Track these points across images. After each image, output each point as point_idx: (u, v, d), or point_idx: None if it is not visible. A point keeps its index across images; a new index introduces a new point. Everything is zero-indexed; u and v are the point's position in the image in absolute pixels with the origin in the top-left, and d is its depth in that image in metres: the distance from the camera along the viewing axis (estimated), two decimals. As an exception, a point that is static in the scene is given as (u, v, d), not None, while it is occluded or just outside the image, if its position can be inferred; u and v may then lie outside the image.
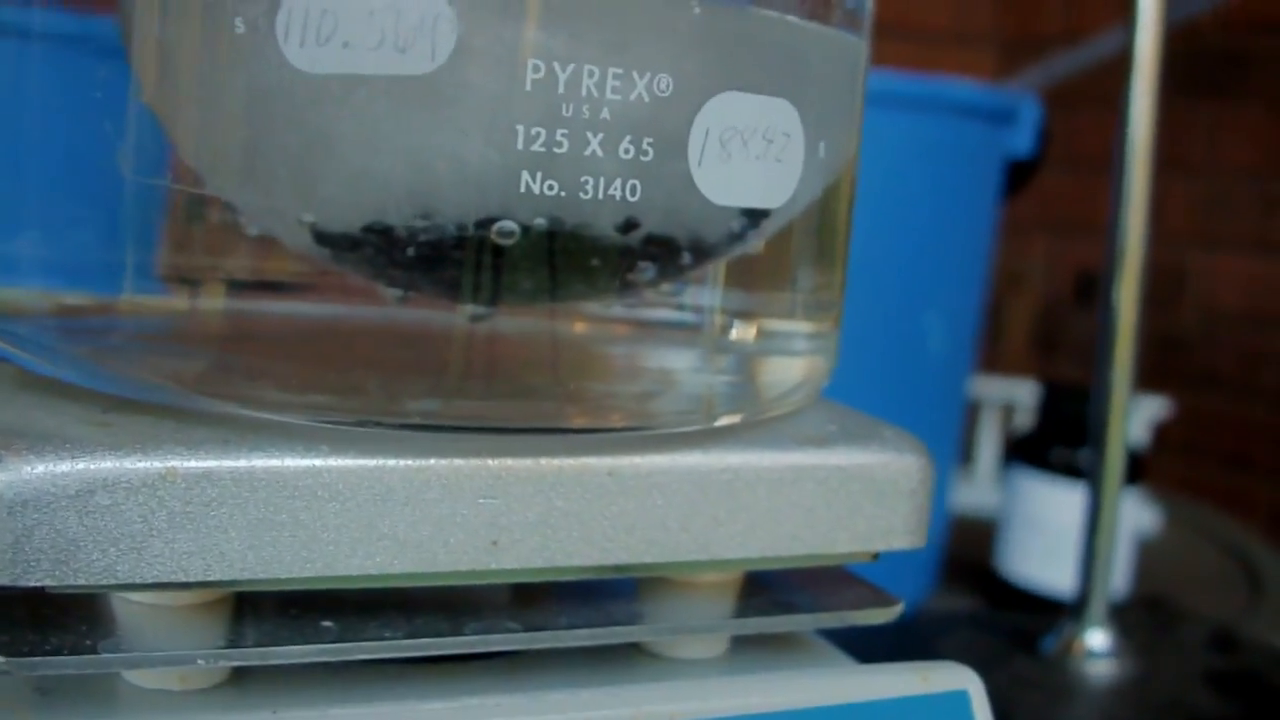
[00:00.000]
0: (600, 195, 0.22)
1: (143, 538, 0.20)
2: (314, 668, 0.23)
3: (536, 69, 0.21)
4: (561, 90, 0.21)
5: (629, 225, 0.22)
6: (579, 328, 0.25)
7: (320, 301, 0.24)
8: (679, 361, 0.26)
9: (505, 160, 0.21)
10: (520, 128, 0.21)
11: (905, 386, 0.58)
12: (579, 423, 0.23)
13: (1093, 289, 1.25)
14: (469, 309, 0.23)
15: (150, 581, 0.20)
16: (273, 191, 0.22)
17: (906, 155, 0.56)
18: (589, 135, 0.21)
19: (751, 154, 0.23)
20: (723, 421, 0.25)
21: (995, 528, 0.66)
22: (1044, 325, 1.32)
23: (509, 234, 0.22)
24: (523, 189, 0.21)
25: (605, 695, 0.23)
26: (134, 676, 0.22)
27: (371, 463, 0.21)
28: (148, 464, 0.20)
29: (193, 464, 0.20)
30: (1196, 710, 0.44)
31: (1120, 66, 0.46)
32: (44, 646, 0.21)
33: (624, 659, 0.25)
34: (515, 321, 0.24)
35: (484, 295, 0.22)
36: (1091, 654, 0.47)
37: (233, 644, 0.22)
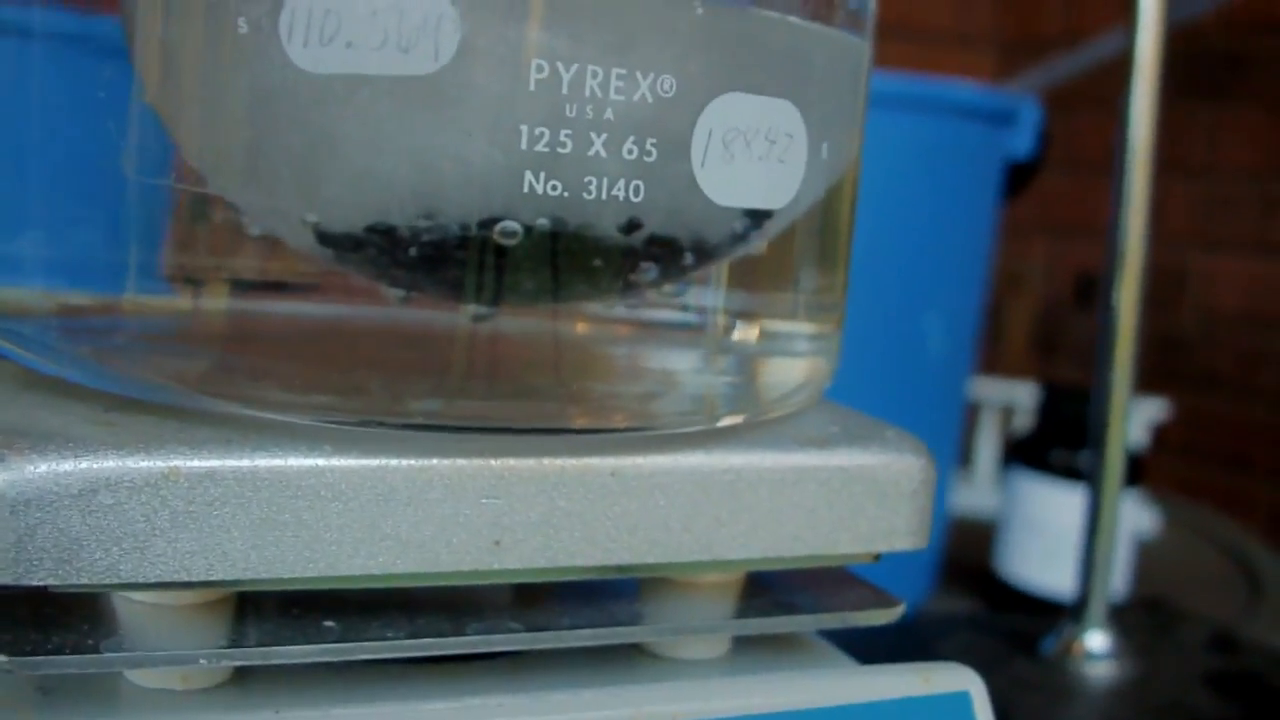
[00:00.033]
0: (603, 196, 0.22)
1: (145, 537, 0.20)
2: (316, 667, 0.23)
3: (540, 69, 0.21)
4: (565, 90, 0.21)
5: (632, 226, 0.23)
6: (581, 328, 0.25)
7: (323, 302, 0.24)
8: (681, 362, 0.26)
9: (509, 160, 0.21)
10: (524, 128, 0.21)
11: (905, 388, 0.58)
12: (581, 423, 0.23)
13: (1092, 290, 1.25)
14: (471, 309, 0.23)
15: (153, 581, 0.20)
16: (276, 192, 0.22)
17: (906, 156, 0.56)
18: (592, 136, 0.21)
19: (754, 155, 0.23)
20: (725, 422, 0.25)
21: (994, 529, 0.66)
22: (1043, 327, 1.32)
23: (512, 234, 0.22)
24: (526, 189, 0.21)
25: (607, 695, 0.23)
26: (136, 676, 0.22)
27: (374, 462, 0.21)
28: (151, 463, 0.20)
29: (196, 463, 0.20)
30: (1196, 711, 0.44)
31: (1120, 68, 0.46)
32: (46, 646, 0.21)
33: (625, 659, 0.25)
34: (518, 322, 0.24)
35: (486, 295, 0.22)
36: (1091, 655, 0.47)
37: (235, 644, 0.22)
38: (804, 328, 0.27)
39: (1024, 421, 0.83)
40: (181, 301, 0.24)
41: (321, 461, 0.21)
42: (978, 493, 0.82)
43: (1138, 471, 0.64)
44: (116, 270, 0.24)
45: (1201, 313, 1.23)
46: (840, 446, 0.25)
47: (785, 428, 0.26)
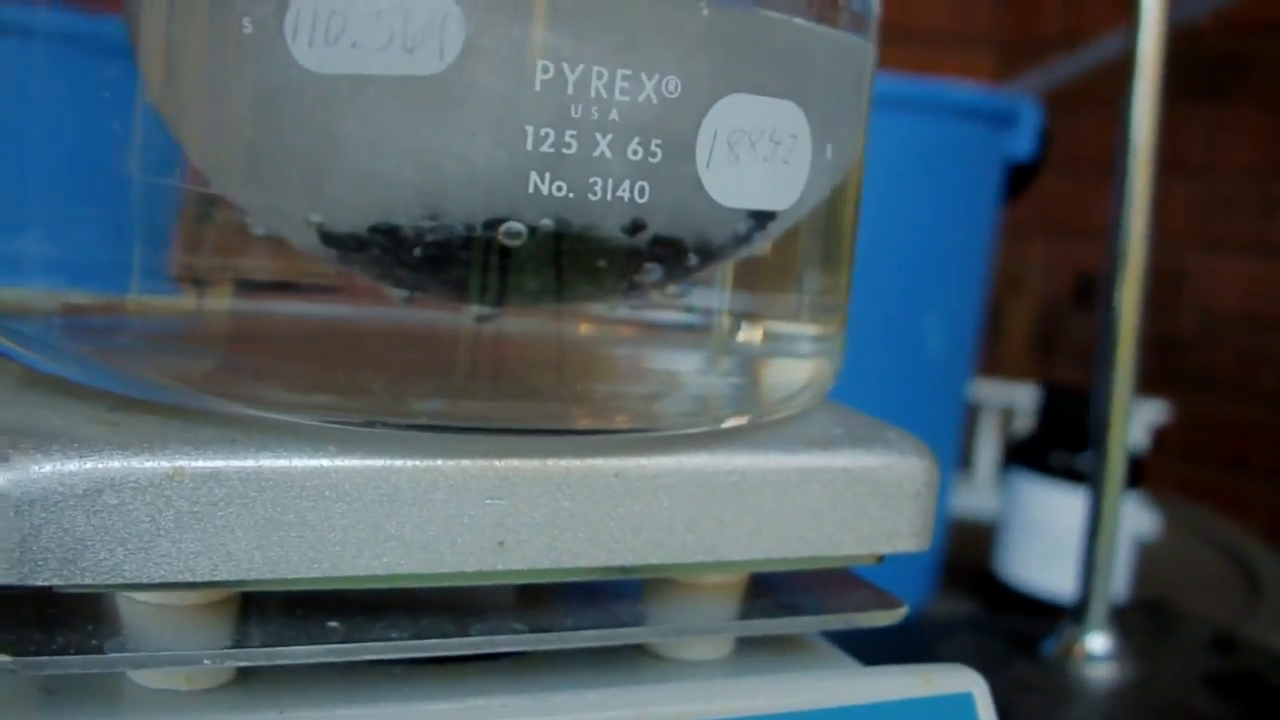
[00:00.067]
0: (609, 196, 0.22)
1: (150, 537, 0.20)
2: (319, 668, 0.23)
3: (545, 70, 0.21)
4: (570, 91, 0.21)
5: (636, 227, 0.22)
6: (585, 329, 0.25)
7: (327, 302, 0.24)
8: (685, 363, 0.26)
9: (514, 161, 0.21)
10: (529, 128, 0.21)
11: (905, 389, 0.58)
12: (585, 424, 0.23)
13: (1092, 291, 1.25)
14: (475, 310, 0.23)
15: (157, 581, 0.20)
16: (280, 191, 0.22)
17: (907, 158, 0.56)
18: (598, 136, 0.21)
19: (759, 156, 0.23)
20: (729, 423, 0.25)
21: (994, 531, 0.66)
22: (1043, 328, 1.32)
23: (516, 235, 0.22)
24: (531, 190, 0.21)
25: (611, 696, 0.23)
26: (140, 676, 0.22)
27: (378, 463, 0.21)
28: (155, 463, 0.20)
29: (200, 464, 0.20)
30: (1197, 712, 0.44)
31: (1119, 69, 0.46)
32: (50, 646, 0.21)
33: (629, 660, 0.25)
34: (521, 322, 0.24)
35: (490, 296, 0.22)
36: (1092, 657, 0.47)
37: (239, 644, 0.22)
38: (807, 329, 0.27)
39: (1024, 423, 0.83)
40: (185, 301, 0.24)
41: (326, 462, 0.21)
42: (977, 494, 0.82)
43: (1138, 474, 0.64)
44: (120, 270, 0.24)
45: (1201, 313, 1.23)
46: (844, 448, 0.25)
47: (789, 429, 0.26)
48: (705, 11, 0.22)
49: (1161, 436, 0.91)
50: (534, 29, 0.21)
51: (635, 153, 0.22)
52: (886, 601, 0.26)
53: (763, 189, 0.23)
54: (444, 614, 0.23)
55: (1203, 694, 0.45)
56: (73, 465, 0.20)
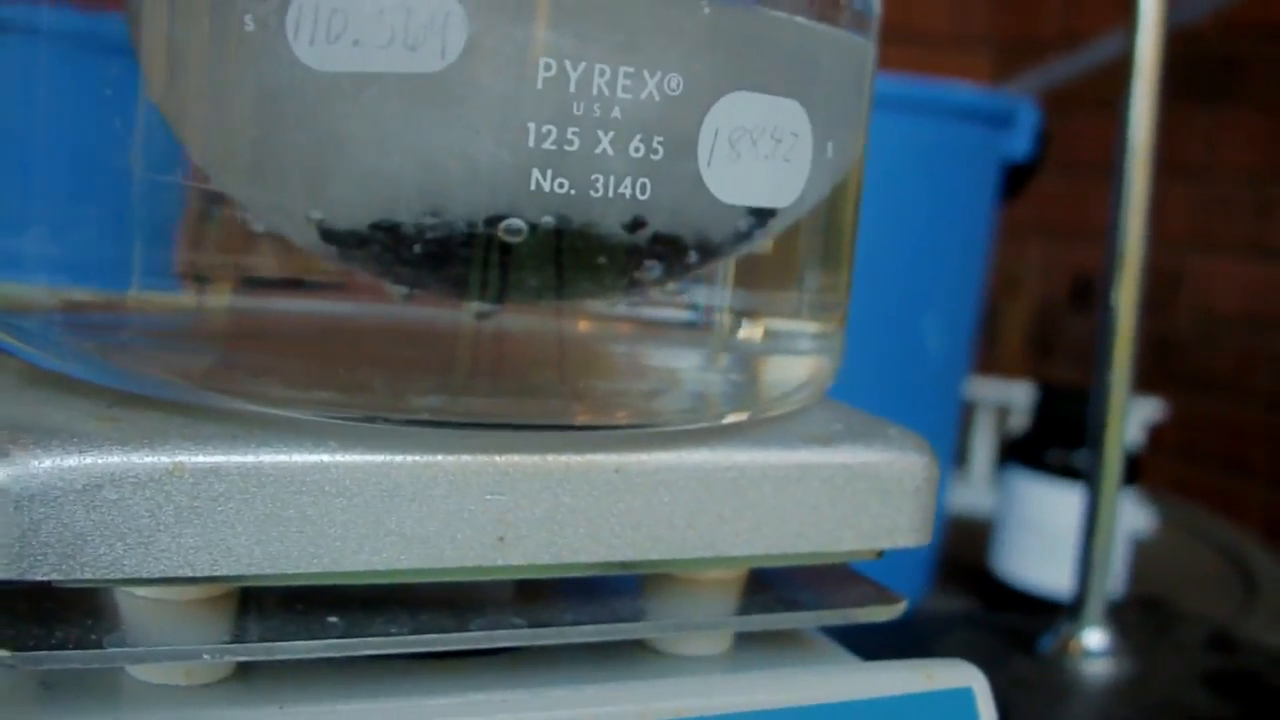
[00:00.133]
0: (610, 194, 0.22)
1: (150, 532, 0.20)
2: (319, 663, 0.23)
3: (548, 67, 0.21)
4: (573, 89, 0.21)
5: (636, 224, 0.23)
6: (585, 326, 0.25)
7: (327, 298, 0.24)
8: (685, 360, 0.26)
9: (515, 158, 0.21)
10: (531, 126, 0.21)
11: (902, 388, 0.58)
12: (585, 420, 0.23)
13: (1089, 292, 1.25)
14: (475, 306, 0.23)
15: (157, 576, 0.20)
16: (281, 189, 0.22)
17: (904, 158, 0.57)
18: (600, 134, 0.21)
19: (760, 154, 0.23)
20: (728, 419, 0.25)
21: (990, 528, 0.66)
22: (1039, 328, 1.32)
23: (517, 232, 0.22)
24: (533, 187, 0.21)
25: (610, 691, 0.23)
26: (139, 671, 0.22)
27: (379, 458, 0.21)
28: (155, 459, 0.20)
29: (200, 459, 0.20)
30: (1194, 710, 0.44)
31: (1116, 70, 0.47)
32: (49, 641, 0.21)
33: (628, 655, 0.25)
34: (521, 319, 0.24)
35: (490, 293, 0.22)
36: (1089, 654, 0.47)
37: (238, 639, 0.22)
38: (807, 326, 0.27)
39: (1019, 421, 0.83)
40: (186, 298, 0.24)
41: (326, 457, 0.21)
42: (973, 491, 0.82)
43: (1134, 471, 0.64)
44: (121, 267, 0.24)
45: (1198, 314, 1.23)
46: (843, 444, 0.25)
47: (789, 425, 0.26)
48: (707, 10, 0.22)
49: (1158, 436, 0.92)
50: (536, 27, 0.21)
51: (637, 150, 0.22)
52: (886, 597, 0.26)
53: (764, 187, 0.23)
54: (443, 609, 0.23)
55: (1200, 692, 0.45)
56: (72, 460, 0.20)
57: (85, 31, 0.24)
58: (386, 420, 0.22)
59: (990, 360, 1.14)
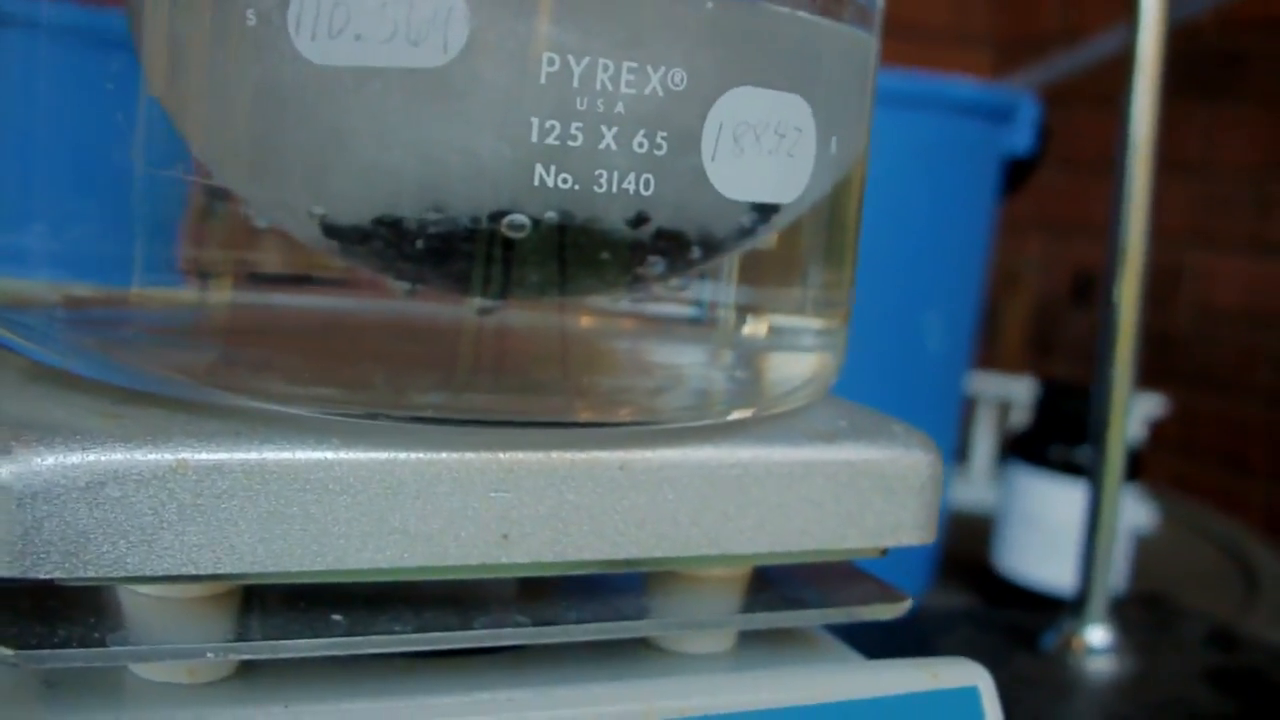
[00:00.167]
0: (614, 189, 0.22)
1: (153, 530, 0.20)
2: (322, 661, 0.23)
3: (551, 62, 0.21)
4: (576, 84, 0.21)
5: (640, 219, 0.22)
6: (588, 322, 0.25)
7: (329, 294, 0.24)
8: (688, 356, 0.26)
9: (518, 153, 0.21)
10: (534, 121, 0.21)
11: (903, 383, 0.58)
12: (588, 417, 0.23)
13: (1090, 288, 1.25)
14: (478, 302, 0.23)
15: (160, 574, 0.20)
16: (283, 184, 0.22)
17: (905, 153, 0.56)
18: (603, 129, 0.21)
19: (764, 149, 0.23)
20: (732, 416, 0.24)
21: (991, 524, 0.66)
22: (1039, 324, 1.32)
23: (520, 227, 0.22)
24: (536, 182, 0.21)
25: (614, 690, 0.23)
26: (142, 669, 0.22)
27: (382, 456, 0.21)
28: (158, 456, 0.20)
29: (204, 456, 0.20)
30: (1196, 707, 0.44)
31: (1116, 65, 0.46)
32: (52, 639, 0.20)
33: (631, 653, 0.25)
34: (524, 315, 0.24)
35: (493, 288, 0.22)
36: (1092, 651, 0.47)
37: (241, 637, 0.22)
38: (811, 322, 0.27)
39: (1020, 417, 0.83)
40: (187, 294, 0.24)
41: (330, 454, 0.21)
42: (974, 487, 0.82)
43: (1135, 467, 0.64)
44: (123, 263, 0.23)
45: (1197, 310, 1.23)
46: (848, 441, 0.25)
47: (792, 422, 0.26)
48: (710, 4, 0.22)
49: (1158, 432, 0.92)
50: (539, 21, 0.21)
51: (641, 145, 0.22)
52: (890, 595, 0.26)
53: (767, 182, 0.23)
54: (447, 607, 0.23)
55: (1202, 688, 0.45)
56: (75, 458, 0.20)
57: (86, 26, 0.24)
58: (389, 417, 0.22)
59: (990, 356, 1.14)
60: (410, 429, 0.22)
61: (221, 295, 0.24)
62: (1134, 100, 0.46)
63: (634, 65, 0.21)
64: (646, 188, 0.22)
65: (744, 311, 0.26)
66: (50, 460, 0.19)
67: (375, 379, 0.23)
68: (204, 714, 0.21)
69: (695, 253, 0.24)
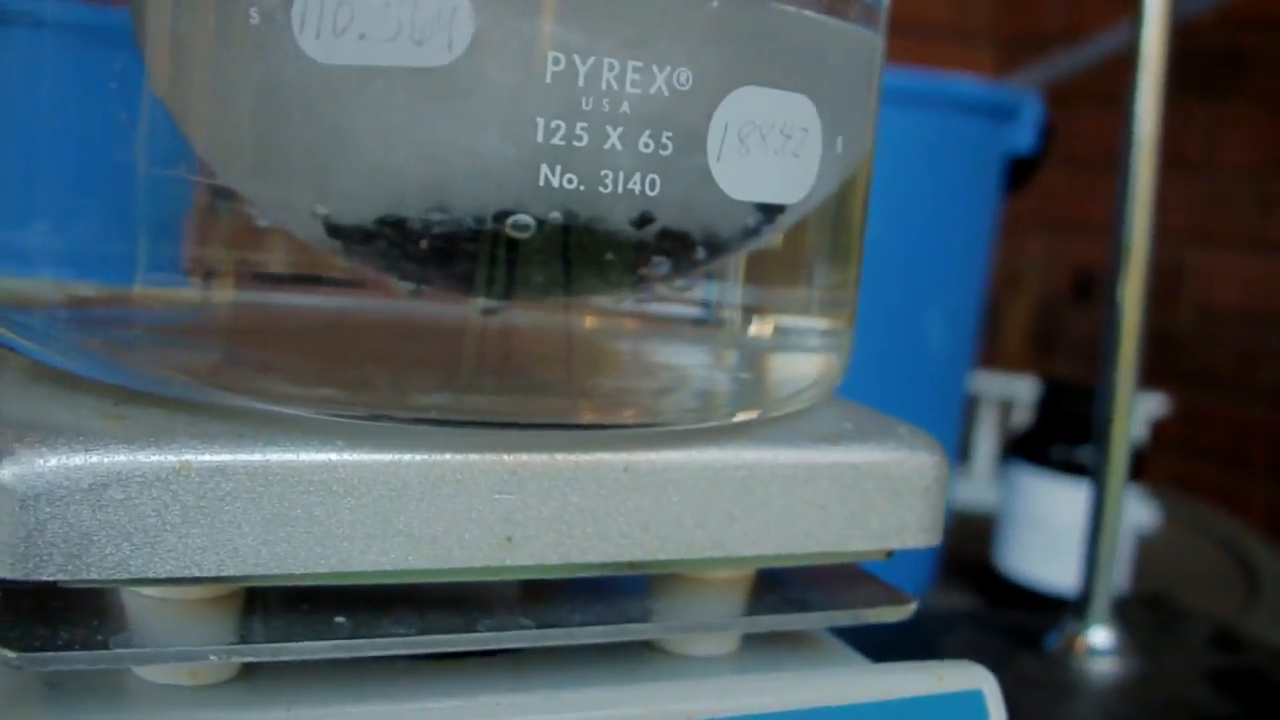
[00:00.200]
0: (619, 189, 0.22)
1: (156, 532, 0.20)
2: (324, 663, 0.23)
3: (556, 61, 0.21)
4: (581, 83, 0.21)
5: (645, 219, 0.22)
6: (592, 322, 0.25)
7: (332, 294, 0.24)
8: (693, 357, 0.26)
9: (524, 154, 0.21)
10: (540, 120, 0.21)
11: (905, 383, 0.58)
12: (592, 418, 0.23)
13: (1091, 287, 1.25)
14: (481, 302, 0.23)
15: (163, 577, 0.20)
16: (286, 184, 0.22)
17: (908, 152, 0.56)
18: (609, 129, 0.21)
19: (770, 149, 0.23)
20: (738, 418, 0.24)
21: (992, 523, 0.66)
22: (1041, 323, 1.32)
23: (524, 228, 0.22)
24: (541, 182, 0.21)
25: (618, 694, 0.22)
26: (144, 671, 0.22)
27: (386, 457, 0.21)
28: (162, 458, 0.20)
29: (207, 458, 0.20)
30: (1200, 708, 0.44)
31: (1117, 64, 0.46)
32: (55, 641, 0.20)
33: (634, 656, 0.25)
34: (528, 315, 0.23)
35: (497, 289, 0.22)
36: (1095, 652, 0.47)
37: (244, 639, 0.21)
38: (816, 323, 0.27)
39: (1022, 416, 0.83)
40: (191, 293, 0.24)
41: (334, 456, 0.21)
42: (976, 486, 0.82)
43: (1137, 466, 0.64)
44: (125, 262, 0.23)
45: (1199, 309, 1.23)
46: (853, 443, 0.25)
47: (798, 423, 0.25)
48: (716, 3, 0.22)
49: (1159, 431, 0.91)
50: (544, 21, 0.21)
51: (646, 145, 0.22)
52: (895, 597, 0.26)
53: (773, 182, 0.23)
54: (451, 610, 0.23)
55: (1205, 690, 0.45)
56: (78, 459, 0.19)
57: (89, 24, 0.24)
58: (393, 418, 0.22)
59: (992, 355, 1.14)
60: (414, 430, 0.22)
61: (224, 295, 0.23)
62: (1138, 99, 0.46)
63: (639, 65, 0.21)
64: (652, 188, 0.22)
65: (749, 312, 0.26)
66: (53, 462, 0.19)
67: (379, 380, 0.23)
68: (206, 716, 0.21)
69: (700, 253, 0.24)
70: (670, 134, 0.22)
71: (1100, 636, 0.47)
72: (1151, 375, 0.58)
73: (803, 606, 0.25)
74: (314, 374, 0.22)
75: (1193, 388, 1.18)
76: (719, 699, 0.22)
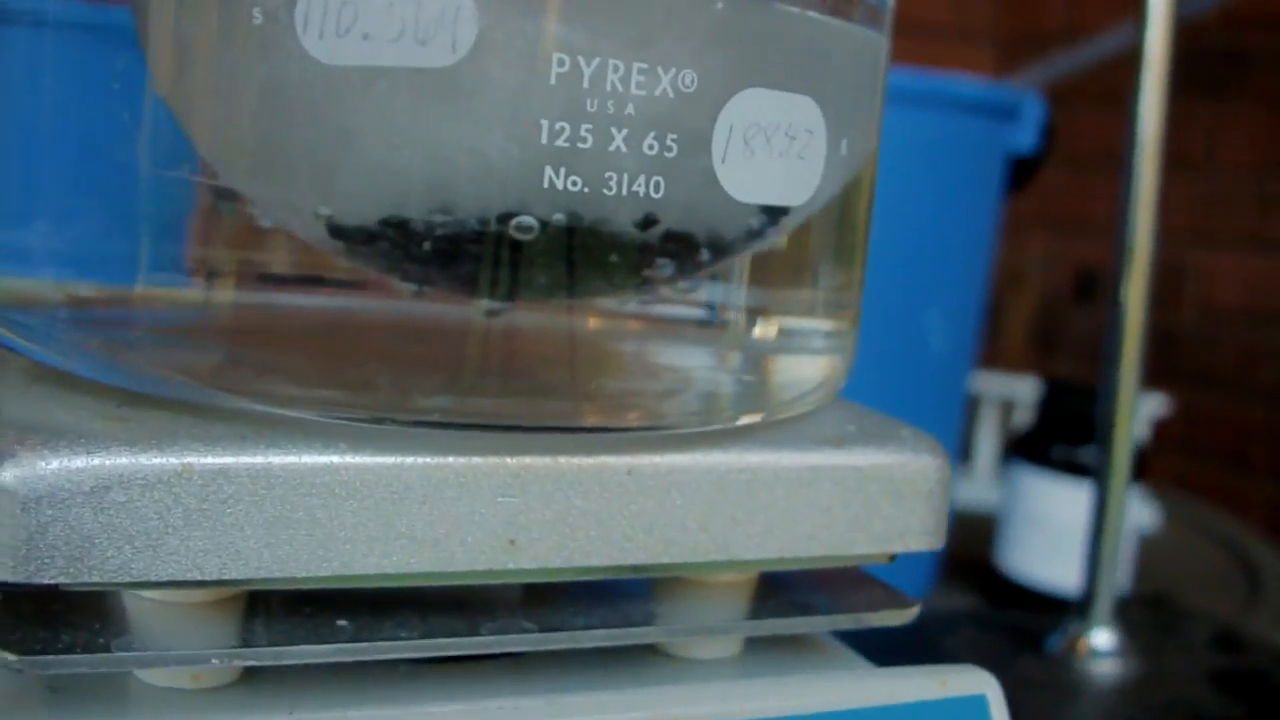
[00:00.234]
0: (624, 192, 0.21)
1: (158, 535, 0.20)
2: (326, 666, 0.23)
3: (561, 63, 0.21)
4: (586, 85, 0.21)
5: (649, 222, 0.22)
6: (596, 324, 0.25)
7: (335, 295, 0.24)
8: (697, 360, 0.26)
9: (527, 155, 0.21)
10: (544, 122, 0.21)
11: (906, 383, 0.58)
12: (596, 421, 0.23)
13: (1093, 286, 1.25)
14: (485, 304, 0.22)
15: (165, 580, 0.20)
16: (289, 184, 0.22)
17: (909, 151, 0.56)
18: (613, 131, 0.21)
19: (775, 151, 0.23)
20: (742, 421, 0.24)
21: (994, 523, 0.66)
22: (1042, 323, 1.32)
23: (528, 229, 0.21)
24: (545, 185, 0.21)
25: (622, 697, 0.22)
26: (146, 674, 0.22)
27: (389, 460, 0.21)
28: (164, 460, 0.20)
29: (209, 460, 0.20)
30: (1202, 710, 0.44)
31: (1119, 63, 0.46)
32: (56, 644, 0.20)
33: (637, 659, 0.25)
34: (531, 317, 0.23)
35: (500, 290, 0.22)
36: (1097, 653, 0.47)
37: (246, 642, 0.21)
38: (821, 324, 0.27)
39: (1023, 416, 0.83)
40: (193, 294, 0.23)
41: (336, 459, 0.21)
42: (977, 486, 0.82)
43: (1138, 466, 0.64)
44: (127, 263, 0.23)
45: (1199, 309, 1.23)
46: (856, 446, 0.25)
47: (801, 426, 0.25)
48: (721, 5, 0.22)
49: (1161, 431, 0.91)
50: (549, 21, 0.21)
51: (651, 147, 0.21)
52: (898, 601, 0.26)
53: (777, 184, 0.23)
54: (453, 613, 0.23)
55: (1208, 691, 0.45)
56: (80, 462, 0.19)
57: (92, 23, 0.24)
58: (395, 421, 0.22)
59: (993, 355, 1.14)
60: (417, 433, 0.21)
61: (226, 296, 0.23)
62: (1141, 99, 0.46)
63: (644, 66, 0.21)
64: (656, 190, 0.22)
65: (753, 314, 0.26)
66: (55, 464, 0.19)
67: (381, 382, 0.22)
68: (208, 720, 0.21)
69: (704, 255, 0.24)
70: (675, 136, 0.22)
71: (1102, 638, 0.47)
72: (1153, 375, 0.58)
73: (806, 610, 0.25)
74: (316, 376, 0.22)
75: (1194, 387, 1.18)
76: (722, 703, 0.22)
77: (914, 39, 1.32)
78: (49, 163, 0.24)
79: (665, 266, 0.23)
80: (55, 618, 0.21)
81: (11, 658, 0.20)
